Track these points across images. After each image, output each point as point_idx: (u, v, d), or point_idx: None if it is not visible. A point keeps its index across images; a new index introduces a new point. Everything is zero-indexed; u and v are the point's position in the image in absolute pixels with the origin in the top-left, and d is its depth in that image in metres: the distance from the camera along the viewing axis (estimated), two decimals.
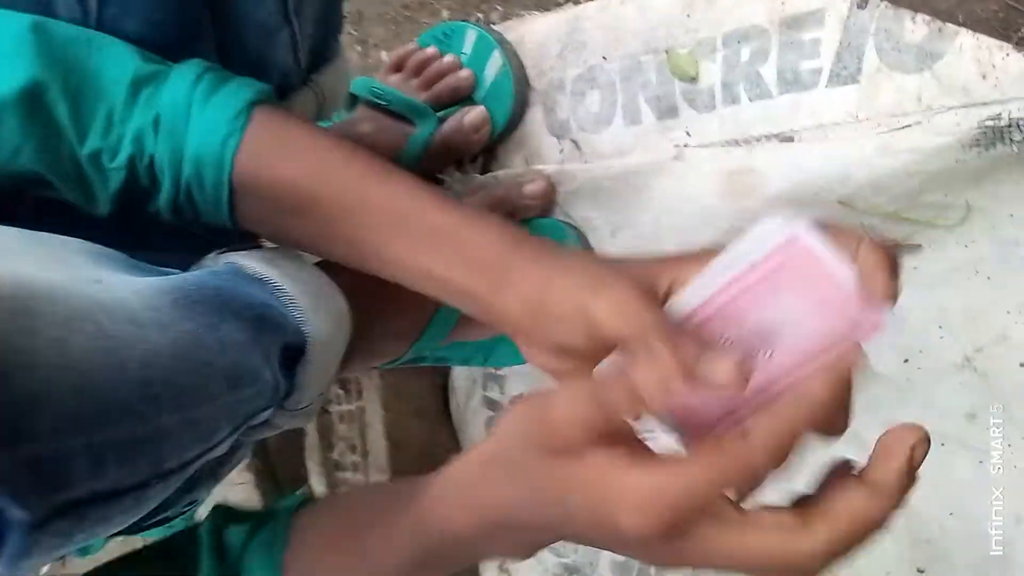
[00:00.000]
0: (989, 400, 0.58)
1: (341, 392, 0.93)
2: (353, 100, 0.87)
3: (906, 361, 0.61)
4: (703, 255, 0.38)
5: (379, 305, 0.75)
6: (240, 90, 0.50)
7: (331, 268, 0.72)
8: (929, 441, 0.33)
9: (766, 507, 0.34)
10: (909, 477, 0.33)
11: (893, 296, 0.33)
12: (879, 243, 0.35)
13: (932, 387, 0.60)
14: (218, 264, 0.53)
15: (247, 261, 0.52)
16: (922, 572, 0.62)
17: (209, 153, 0.48)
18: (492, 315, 0.44)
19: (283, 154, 0.49)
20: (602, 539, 0.36)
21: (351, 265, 0.52)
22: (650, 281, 0.39)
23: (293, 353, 0.52)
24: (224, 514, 0.47)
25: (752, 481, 0.33)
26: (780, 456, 0.31)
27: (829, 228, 0.34)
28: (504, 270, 0.43)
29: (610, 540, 0.35)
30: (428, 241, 0.46)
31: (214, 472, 0.58)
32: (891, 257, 0.34)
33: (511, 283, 0.43)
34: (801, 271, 0.34)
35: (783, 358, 0.35)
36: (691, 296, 0.36)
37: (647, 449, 0.34)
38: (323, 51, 0.69)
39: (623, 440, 0.34)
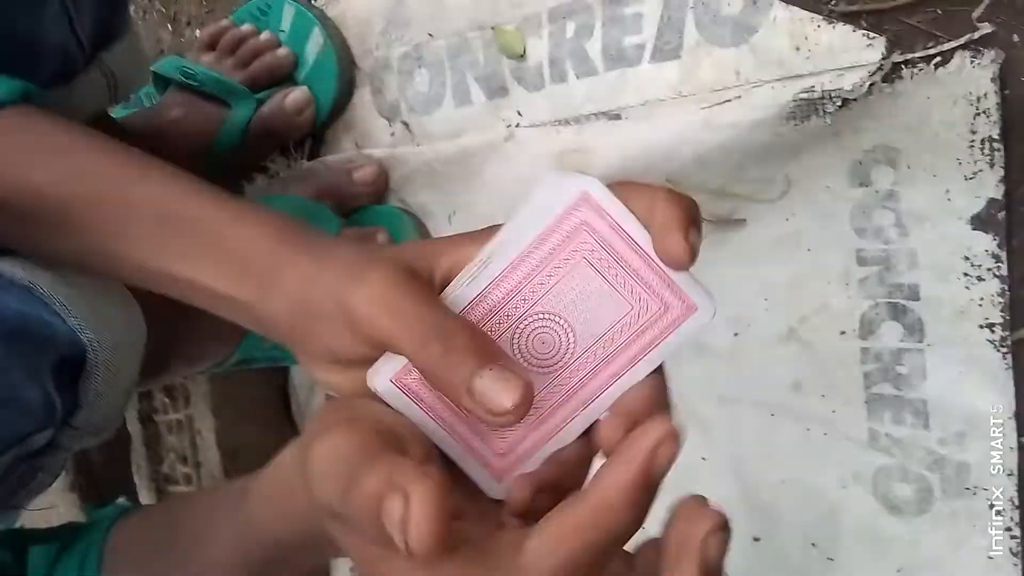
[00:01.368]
0: (812, 369, 0.59)
1: (167, 400, 0.86)
2: (164, 83, 0.80)
3: (736, 335, 0.62)
4: (488, 233, 0.33)
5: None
6: None
7: None
8: (727, 527, 0.27)
9: None
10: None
11: (688, 255, 0.30)
12: (674, 194, 0.31)
13: (760, 359, 0.61)
14: None
15: (8, 267, 0.46)
16: (758, 540, 0.63)
17: None
18: (262, 324, 0.38)
19: (29, 160, 0.42)
20: None
21: (117, 279, 0.46)
22: (425, 264, 0.34)
23: (72, 366, 0.46)
24: (23, 536, 0.41)
25: None
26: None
27: (620, 185, 0.32)
28: (270, 269, 0.37)
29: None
30: (189, 244, 0.39)
31: (5, 502, 0.52)
32: (687, 210, 0.30)
33: (277, 283, 0.37)
34: (597, 238, 0.31)
35: (586, 351, 0.32)
36: (472, 280, 0.32)
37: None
38: (109, 27, 0.62)
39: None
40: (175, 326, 0.65)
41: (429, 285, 0.34)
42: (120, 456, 0.92)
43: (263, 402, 0.86)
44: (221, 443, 0.82)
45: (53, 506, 0.89)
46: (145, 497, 0.88)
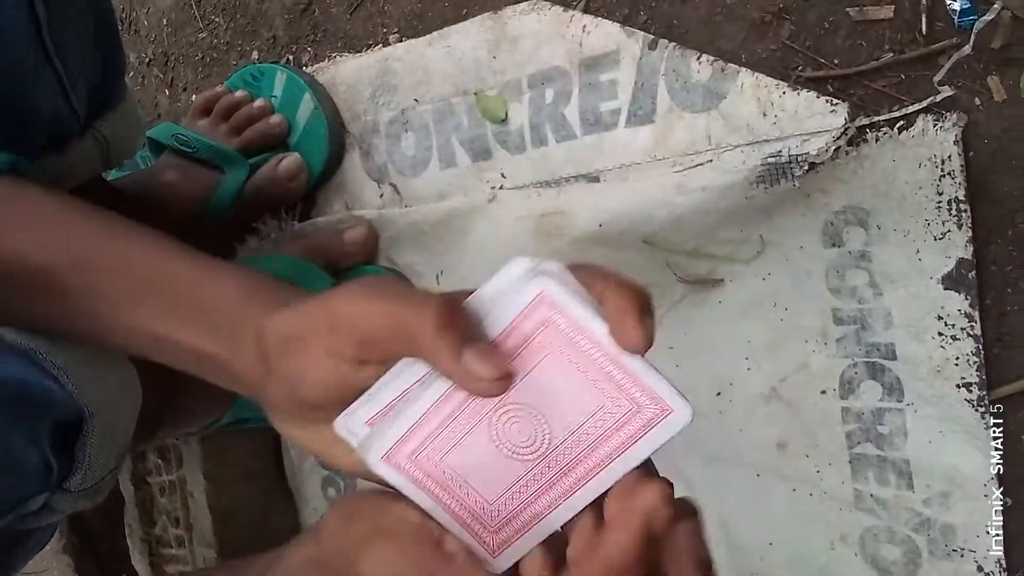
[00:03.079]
0: (796, 429, 0.59)
1: (160, 462, 0.86)
2: (159, 148, 0.81)
3: (718, 394, 0.61)
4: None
5: None
6: None
7: None
8: (670, 503, 0.30)
9: None
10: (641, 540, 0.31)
11: (644, 340, 0.31)
12: (624, 283, 0.32)
13: (744, 419, 0.61)
14: None
15: (8, 333, 0.47)
16: None
17: None
18: (237, 379, 0.40)
19: (14, 228, 0.44)
20: None
21: (99, 344, 0.47)
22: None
23: (69, 429, 0.46)
24: None
25: None
26: None
27: (576, 269, 0.33)
28: (240, 323, 0.39)
29: None
30: (165, 303, 0.42)
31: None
32: (638, 298, 0.31)
33: (248, 335, 0.38)
34: (561, 336, 0.31)
35: (563, 442, 0.33)
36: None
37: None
38: (105, 95, 0.64)
39: None
40: (167, 389, 0.66)
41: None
42: (114, 518, 0.92)
43: (255, 464, 0.86)
44: (213, 505, 0.82)
45: (46, 570, 0.89)
46: (137, 561, 0.88)
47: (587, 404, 0.32)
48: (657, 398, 0.31)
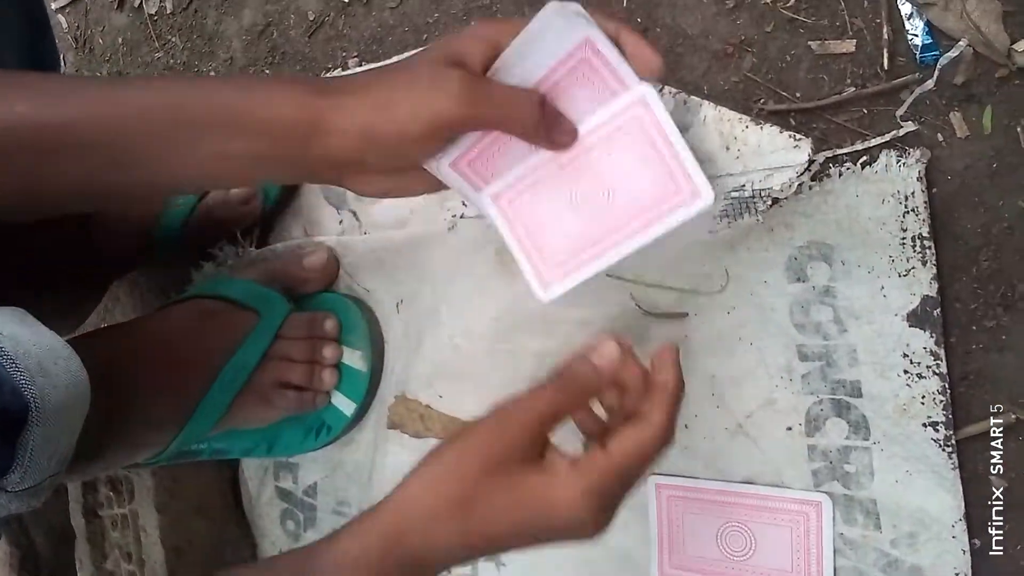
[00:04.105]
0: (763, 467, 0.57)
1: (112, 495, 0.83)
2: None
3: (685, 427, 0.60)
4: (496, 27, 0.43)
5: (135, 389, 0.67)
6: None
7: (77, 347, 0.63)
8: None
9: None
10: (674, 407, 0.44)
11: (660, 60, 0.42)
12: (632, 28, 0.42)
13: (711, 455, 0.59)
14: None
15: None
16: None
17: None
18: (319, 168, 0.45)
19: (33, 99, 0.44)
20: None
21: (138, 194, 0.50)
22: (464, 60, 0.42)
23: (11, 420, 0.44)
24: None
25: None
26: None
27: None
28: (315, 122, 0.43)
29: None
30: (226, 130, 0.44)
31: None
32: (640, 33, 0.43)
33: (329, 130, 0.43)
34: (643, 130, 0.42)
35: (620, 207, 0.43)
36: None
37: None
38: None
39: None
40: (116, 409, 0.63)
41: (482, 74, 0.43)
42: (65, 552, 0.88)
43: (209, 497, 0.83)
44: (165, 540, 0.79)
45: None
46: None
47: (643, 179, 0.42)
48: (692, 183, 0.41)
